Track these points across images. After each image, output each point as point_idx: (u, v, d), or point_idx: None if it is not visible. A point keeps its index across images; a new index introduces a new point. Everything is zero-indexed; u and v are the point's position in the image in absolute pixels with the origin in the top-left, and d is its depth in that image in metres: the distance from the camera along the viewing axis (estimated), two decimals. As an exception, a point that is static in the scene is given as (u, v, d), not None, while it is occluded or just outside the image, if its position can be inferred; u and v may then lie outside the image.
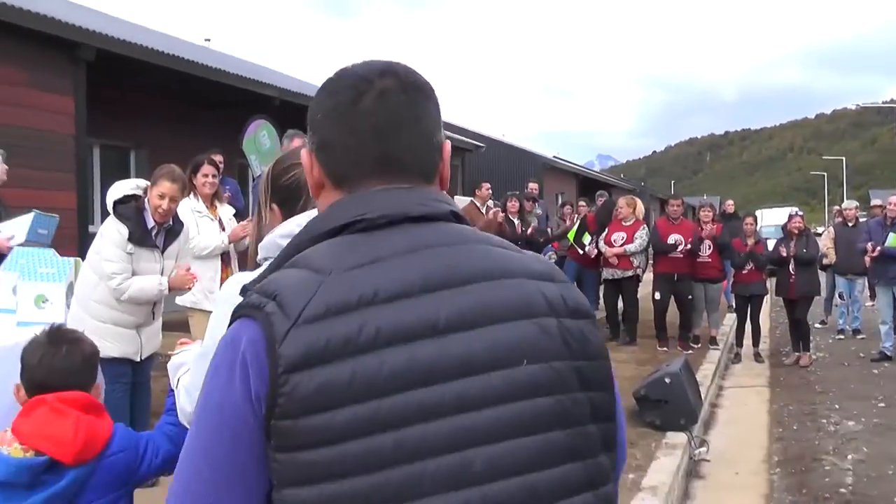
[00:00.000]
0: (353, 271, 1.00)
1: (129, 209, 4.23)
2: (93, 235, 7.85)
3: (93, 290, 4.20)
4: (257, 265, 1.66)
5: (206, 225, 5.57)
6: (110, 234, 4.21)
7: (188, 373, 1.75)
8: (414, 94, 1.12)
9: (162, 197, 4.21)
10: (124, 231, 4.18)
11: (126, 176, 11.48)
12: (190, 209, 5.37)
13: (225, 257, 5.60)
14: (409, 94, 1.12)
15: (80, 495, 1.98)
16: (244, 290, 1.06)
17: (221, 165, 6.19)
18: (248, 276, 1.48)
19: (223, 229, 5.57)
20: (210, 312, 1.77)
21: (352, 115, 1.10)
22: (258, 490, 0.97)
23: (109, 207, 4.30)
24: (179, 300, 5.37)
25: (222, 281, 5.29)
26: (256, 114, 10.68)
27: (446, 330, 0.99)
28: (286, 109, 12.17)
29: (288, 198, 1.73)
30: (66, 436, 1.94)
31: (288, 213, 1.70)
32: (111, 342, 4.10)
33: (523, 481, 0.98)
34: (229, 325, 1.02)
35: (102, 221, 4.44)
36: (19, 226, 4.47)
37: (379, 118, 1.09)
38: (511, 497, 0.97)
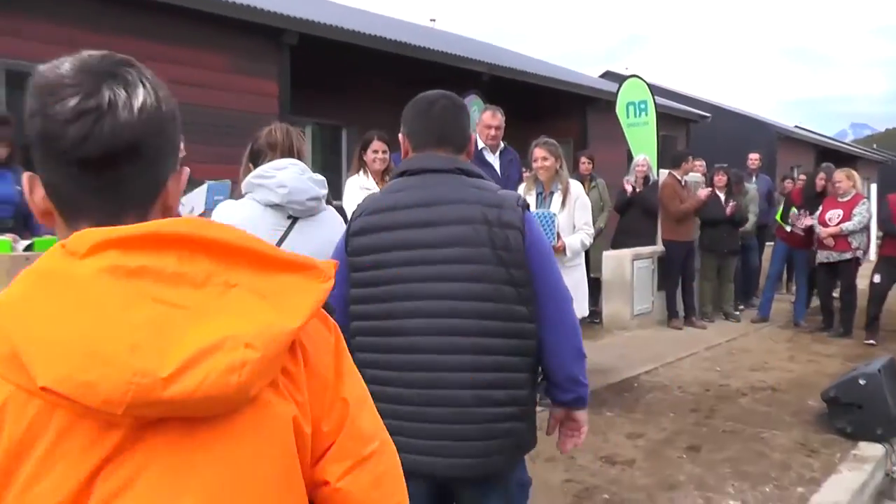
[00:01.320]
0: (387, 195, 2.15)
1: None
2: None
3: None
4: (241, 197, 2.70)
5: (373, 201, 5.64)
6: None
7: None
8: (455, 109, 2.20)
9: None
10: None
11: (338, 152, 12.21)
12: (358, 186, 5.44)
13: None
14: (453, 108, 2.20)
15: None
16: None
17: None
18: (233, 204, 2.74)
19: None
20: None
21: (427, 116, 2.17)
22: (347, 284, 2.09)
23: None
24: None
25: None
26: (466, 90, 10.83)
27: (421, 226, 2.04)
28: (496, 84, 12.22)
29: (256, 157, 2.74)
30: None
31: (255, 166, 2.69)
32: None
33: (452, 305, 2.00)
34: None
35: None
36: (198, 196, 4.83)
37: (437, 118, 2.16)
38: (443, 309, 2.00)
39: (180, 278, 0.86)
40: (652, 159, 9.94)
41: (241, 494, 0.87)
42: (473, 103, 10.55)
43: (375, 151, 5.46)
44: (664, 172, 9.15)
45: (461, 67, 11.52)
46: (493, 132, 5.93)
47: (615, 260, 8.43)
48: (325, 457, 0.98)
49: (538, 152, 5.30)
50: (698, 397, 5.79)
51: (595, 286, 8.72)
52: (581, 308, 5.45)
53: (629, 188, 8.90)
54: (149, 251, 0.86)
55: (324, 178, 2.73)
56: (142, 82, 0.94)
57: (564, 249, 5.16)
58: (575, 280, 5.28)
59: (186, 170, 1.05)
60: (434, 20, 22.17)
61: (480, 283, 1.99)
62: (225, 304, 0.87)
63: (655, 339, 7.90)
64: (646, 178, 8.97)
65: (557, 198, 5.29)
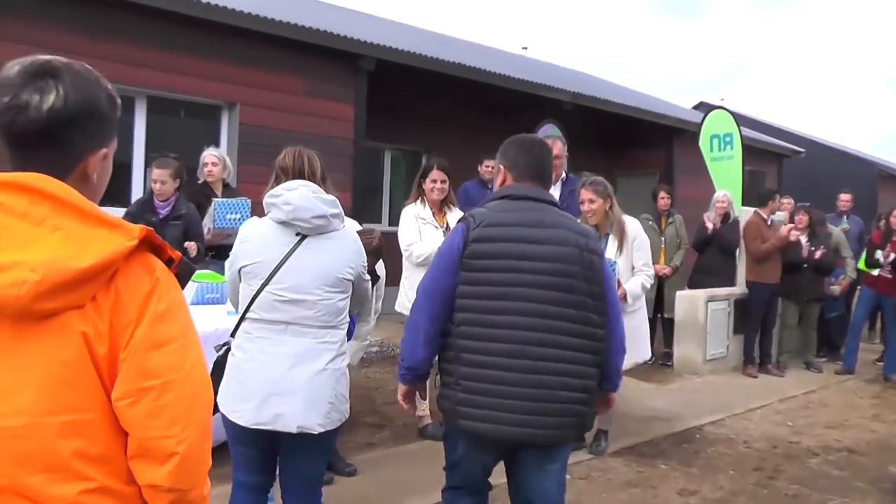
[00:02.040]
0: (499, 213, 2.63)
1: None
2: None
3: None
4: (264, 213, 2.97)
5: (428, 232, 5.43)
6: None
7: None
8: (549, 151, 2.85)
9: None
10: None
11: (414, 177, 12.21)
12: (414, 215, 5.33)
13: None
14: (547, 150, 2.84)
15: None
16: (463, 217, 2.70)
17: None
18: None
19: None
20: None
21: (530, 154, 2.78)
22: (454, 277, 2.59)
23: None
24: (398, 306, 5.39)
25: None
26: (548, 118, 10.66)
27: (529, 241, 2.57)
28: (579, 113, 12.00)
29: (274, 178, 3.08)
30: None
31: (274, 186, 2.97)
32: None
33: (548, 309, 2.54)
34: (458, 223, 2.72)
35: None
36: (208, 217, 4.87)
37: (537, 157, 2.77)
38: (540, 310, 2.54)
39: (25, 216, 1.24)
40: (736, 195, 9.50)
41: (39, 374, 1.22)
42: (551, 132, 10.35)
43: (434, 181, 5.32)
44: (748, 210, 8.72)
45: (542, 96, 11.36)
46: (554, 162, 5.74)
47: (688, 301, 8.05)
48: (116, 379, 1.27)
49: (584, 194, 4.92)
50: (764, 454, 5.40)
51: (669, 327, 8.37)
52: (643, 351, 5.18)
53: (710, 225, 8.51)
54: (10, 192, 1.25)
55: (335, 199, 2.92)
56: (56, 88, 1.30)
57: (626, 297, 4.87)
58: (635, 323, 5.02)
59: (105, 151, 1.39)
60: (526, 48, 22.14)
61: (570, 293, 2.58)
62: (46, 240, 1.23)
63: (727, 387, 7.46)
64: (725, 215, 8.56)
65: (613, 241, 4.97)
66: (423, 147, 11.91)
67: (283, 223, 2.85)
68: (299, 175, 2.98)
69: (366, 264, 3.05)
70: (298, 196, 2.81)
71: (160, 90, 7.71)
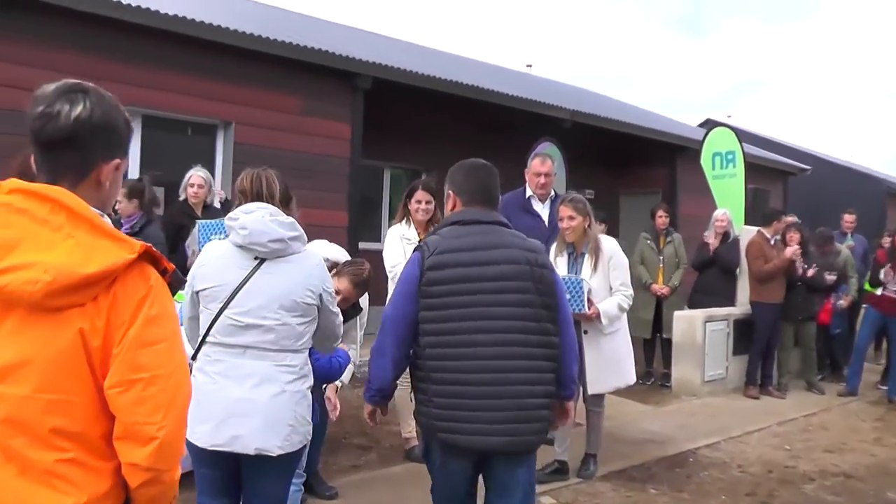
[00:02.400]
0: (450, 239, 2.79)
1: None
2: (363, 252, 8.37)
3: None
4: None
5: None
6: None
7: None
8: (495, 175, 2.97)
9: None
10: None
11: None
12: (399, 235, 5.25)
13: None
14: (494, 174, 2.97)
15: None
16: (418, 246, 2.86)
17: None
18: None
19: None
20: None
21: (474, 178, 2.95)
22: (415, 304, 2.75)
23: None
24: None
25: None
26: (547, 135, 10.59)
27: (481, 264, 2.75)
28: (580, 130, 11.93)
29: (237, 202, 3.00)
30: None
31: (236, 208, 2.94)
32: None
33: (507, 324, 2.73)
34: (413, 252, 2.87)
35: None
36: (192, 238, 4.86)
37: (482, 182, 2.94)
38: (500, 326, 2.73)
39: (46, 222, 1.50)
40: (738, 214, 9.40)
41: (38, 357, 1.46)
42: (547, 150, 10.27)
43: (419, 201, 5.22)
44: (749, 229, 8.61)
45: (540, 113, 11.31)
46: (542, 180, 5.66)
47: (686, 321, 7.92)
48: (107, 370, 1.51)
49: (563, 211, 4.81)
50: (758, 479, 5.27)
51: (668, 347, 8.24)
52: (625, 374, 5.03)
53: (711, 243, 8.41)
54: (35, 201, 1.51)
55: (293, 221, 2.88)
56: (83, 101, 1.58)
57: (599, 317, 4.77)
58: (614, 345, 4.91)
59: (117, 162, 1.66)
60: (531, 66, 22.12)
61: (526, 308, 2.77)
62: (61, 246, 1.48)
63: (725, 409, 7.32)
64: (725, 234, 8.46)
65: (588, 260, 4.85)
66: (422, 165, 11.86)
67: (241, 247, 2.83)
68: (257, 198, 2.94)
69: (331, 288, 2.99)
70: (254, 219, 2.79)
71: (155, 109, 7.70)
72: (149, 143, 7.83)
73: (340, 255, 4.51)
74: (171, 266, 1.64)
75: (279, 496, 2.97)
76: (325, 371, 3.52)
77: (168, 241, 5.57)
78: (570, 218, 4.75)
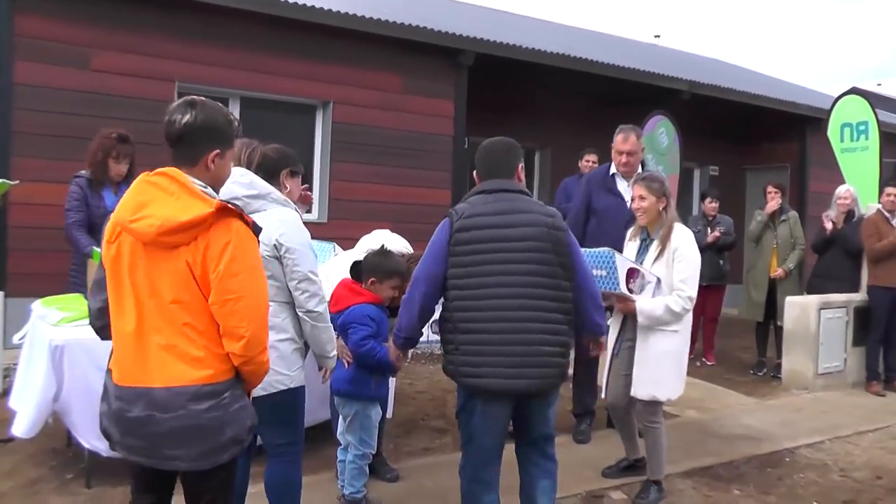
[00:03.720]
0: (477, 205, 3.24)
1: None
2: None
3: None
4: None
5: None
6: None
7: None
8: (508, 147, 3.42)
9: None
10: None
11: (531, 175, 11.87)
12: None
13: None
14: (498, 150, 3.40)
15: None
16: (448, 212, 3.28)
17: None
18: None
19: None
20: None
21: (490, 155, 3.38)
22: (442, 265, 3.20)
23: None
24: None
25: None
26: (664, 108, 10.15)
27: (504, 227, 3.18)
28: (697, 103, 11.32)
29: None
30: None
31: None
32: None
33: (526, 279, 3.15)
34: (444, 218, 3.27)
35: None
36: None
37: (497, 156, 3.38)
38: (520, 282, 3.15)
39: (165, 189, 2.31)
40: (871, 190, 8.66)
41: (168, 278, 2.29)
42: (660, 124, 9.81)
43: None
44: (873, 206, 7.91)
45: (658, 86, 10.80)
46: (624, 158, 5.36)
47: (799, 308, 7.38)
48: (208, 289, 2.30)
49: (635, 189, 4.34)
50: (862, 486, 4.82)
51: (781, 336, 7.72)
52: (668, 386, 4.29)
53: (829, 224, 7.79)
54: (162, 177, 2.35)
55: (252, 181, 3.16)
56: (191, 110, 2.39)
57: (635, 312, 4.23)
58: (663, 349, 4.24)
59: (218, 150, 2.44)
60: (658, 36, 21.25)
61: (543, 265, 3.17)
62: (171, 204, 2.28)
63: (839, 405, 6.78)
64: (849, 213, 7.81)
65: (655, 248, 4.30)
66: (535, 142, 11.59)
67: None
68: (238, 164, 3.24)
69: (292, 244, 3.09)
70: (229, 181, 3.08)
71: (253, 91, 7.89)
72: (247, 125, 8.01)
73: (403, 246, 4.44)
74: (250, 218, 2.38)
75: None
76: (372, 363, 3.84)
77: None
78: (642, 198, 4.28)
